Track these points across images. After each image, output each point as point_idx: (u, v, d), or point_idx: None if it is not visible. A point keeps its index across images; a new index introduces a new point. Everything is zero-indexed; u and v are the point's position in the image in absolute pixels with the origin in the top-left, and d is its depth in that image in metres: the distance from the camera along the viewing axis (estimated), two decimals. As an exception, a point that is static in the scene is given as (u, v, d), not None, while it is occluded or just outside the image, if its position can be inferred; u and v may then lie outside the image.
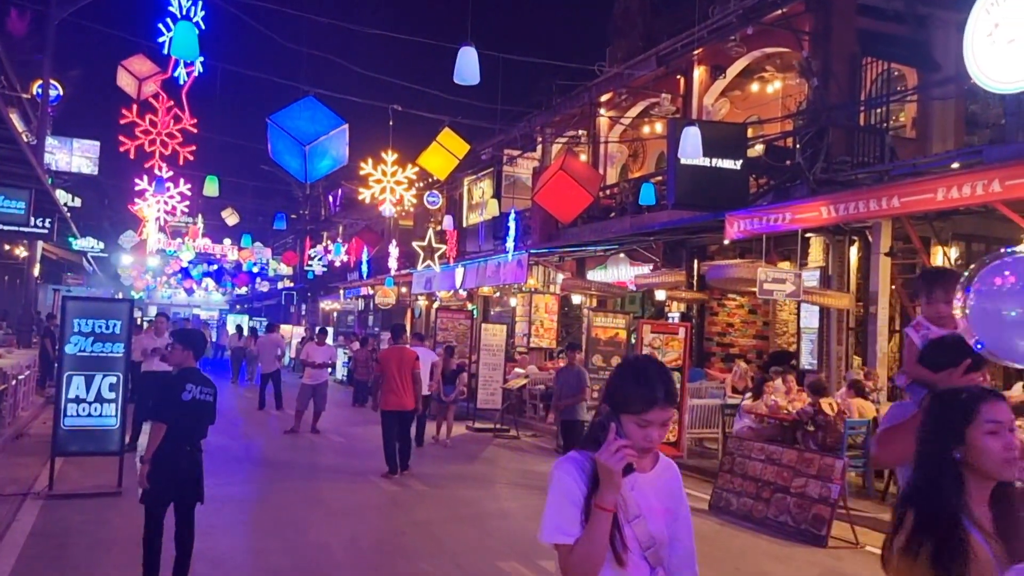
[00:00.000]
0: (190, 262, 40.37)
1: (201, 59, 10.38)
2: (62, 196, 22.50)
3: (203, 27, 9.59)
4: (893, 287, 12.09)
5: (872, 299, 11.79)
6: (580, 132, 20.43)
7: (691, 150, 10.04)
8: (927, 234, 12.27)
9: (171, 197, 18.73)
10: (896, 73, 14.27)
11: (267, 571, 6.16)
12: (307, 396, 13.94)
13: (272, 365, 17.37)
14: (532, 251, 18.73)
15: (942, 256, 12.62)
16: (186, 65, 10.44)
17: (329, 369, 15.48)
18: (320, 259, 33.72)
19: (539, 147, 21.51)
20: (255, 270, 42.23)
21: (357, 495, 9.16)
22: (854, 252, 12.85)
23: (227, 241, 43.19)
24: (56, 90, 20.87)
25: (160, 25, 9.71)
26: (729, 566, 6.87)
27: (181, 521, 5.47)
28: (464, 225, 25.60)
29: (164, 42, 9.60)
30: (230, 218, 33.66)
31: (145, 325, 17.14)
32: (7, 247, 21.00)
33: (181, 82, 10.62)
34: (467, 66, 8.18)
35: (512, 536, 7.51)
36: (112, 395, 8.61)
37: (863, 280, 12.51)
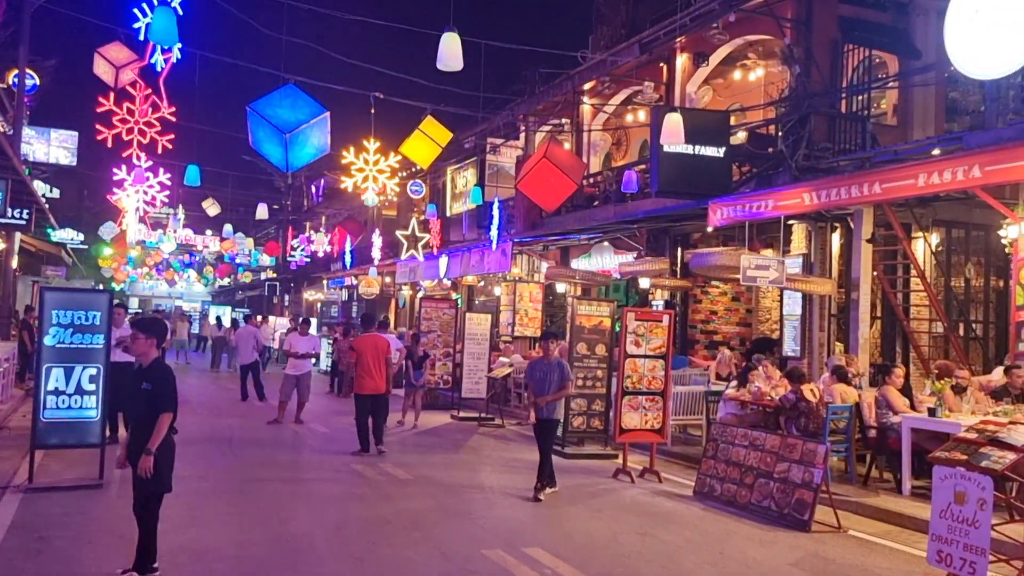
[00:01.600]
0: (171, 253, 40.00)
1: (179, 45, 10.25)
2: (40, 187, 22.22)
3: (181, 12, 9.45)
4: (875, 273, 12.18)
5: (854, 285, 11.87)
6: (563, 120, 20.37)
7: (673, 136, 10.03)
8: (908, 220, 12.37)
9: (151, 187, 18.51)
10: (877, 60, 14.32)
11: (250, 561, 6.12)
12: (291, 386, 13.86)
13: (250, 356, 17.29)
14: (516, 240, 18.70)
15: (923, 242, 12.73)
16: (163, 52, 10.30)
17: (313, 360, 15.41)
18: (302, 249, 33.52)
19: (522, 136, 21.44)
20: (239, 261, 41.91)
21: (341, 485, 9.14)
22: (836, 239, 12.92)
23: (208, 232, 42.88)
24: (32, 79, 20.56)
25: (136, 11, 9.56)
26: (713, 550, 6.91)
27: None
28: (448, 215, 25.52)
29: (141, 28, 9.45)
30: (211, 208, 33.35)
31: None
32: (-16, 239, 20.75)
33: (159, 68, 10.48)
34: (450, 52, 8.12)
35: (497, 524, 7.52)
36: (92, 387, 8.50)
37: (845, 267, 12.58)
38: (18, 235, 18.37)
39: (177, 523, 7.09)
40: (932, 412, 8.65)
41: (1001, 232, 11.42)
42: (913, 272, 12.45)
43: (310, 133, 10.03)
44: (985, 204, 11.03)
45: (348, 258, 28.80)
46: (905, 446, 8.73)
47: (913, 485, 8.70)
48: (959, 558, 5.91)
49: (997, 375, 10.31)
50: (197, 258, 46.63)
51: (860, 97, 13.51)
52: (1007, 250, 11.46)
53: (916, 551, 6.87)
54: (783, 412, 9.85)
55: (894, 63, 14.24)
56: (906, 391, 9.63)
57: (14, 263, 18.88)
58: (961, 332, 13.07)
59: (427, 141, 12.22)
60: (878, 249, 12.11)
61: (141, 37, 9.29)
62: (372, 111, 12.70)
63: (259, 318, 23.24)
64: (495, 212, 18.74)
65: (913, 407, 9.31)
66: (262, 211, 23.63)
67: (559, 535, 7.16)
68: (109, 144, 11.89)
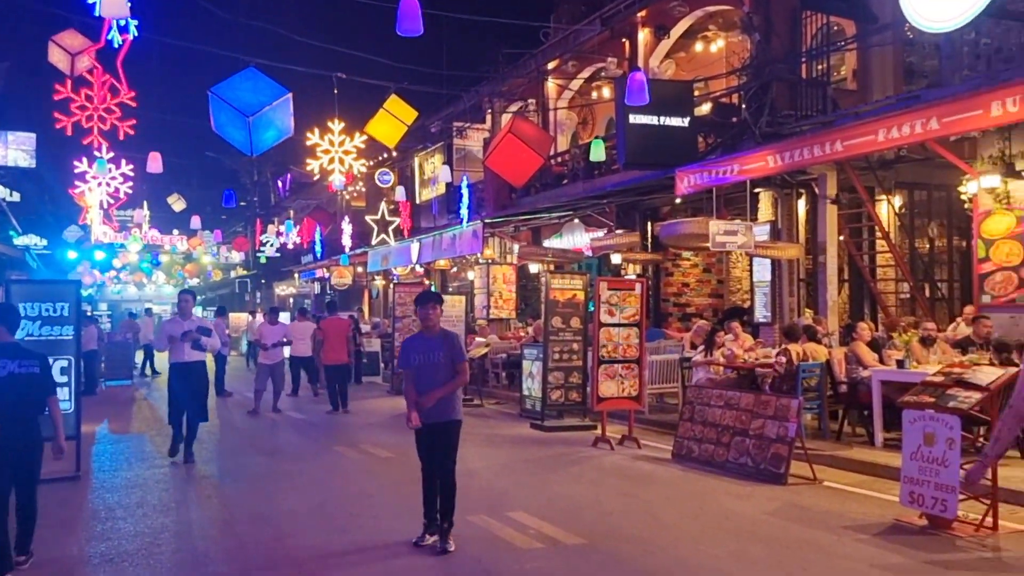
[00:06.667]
0: (138, 254, 39.44)
1: (135, 23, 10.06)
2: (-1, 190, 21.78)
3: (135, -10, 9.29)
4: (841, 238, 12.36)
5: (820, 249, 12.05)
6: (529, 100, 20.38)
7: (637, 96, 10.05)
8: (871, 183, 12.56)
9: (113, 178, 18.18)
10: (836, 27, 14.47)
11: (234, 537, 6.12)
12: (265, 376, 13.81)
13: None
14: (487, 220, 18.70)
15: (887, 205, 12.94)
16: (120, 32, 10.10)
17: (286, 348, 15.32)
18: (272, 243, 33.22)
19: (488, 118, 21.41)
20: (206, 259, 41.42)
21: (323, 466, 9.13)
22: (802, 205, 13.09)
23: (175, 231, 42.33)
24: (-15, 80, 20.11)
25: (89, -12, 9.36)
26: (693, 505, 7.02)
27: (22, 495, 5.43)
28: (417, 201, 25.43)
29: (94, 3, 9.26)
30: (176, 204, 32.88)
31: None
32: (-57, 244, 20.37)
33: (116, 45, 10.25)
34: (409, 16, 8.01)
35: (480, 491, 7.56)
36: (64, 379, 8.39)
37: (811, 232, 12.76)
38: (-21, 238, 18.04)
39: (159, 507, 7.09)
40: (900, 364, 8.83)
41: (961, 189, 11.66)
42: (878, 234, 12.67)
43: (273, 115, 9.91)
44: (946, 165, 11.27)
45: (318, 249, 28.62)
46: (876, 399, 8.90)
47: (885, 437, 8.88)
48: (931, 497, 6.07)
49: (958, 328, 10.57)
50: (164, 260, 46.02)
51: (820, 65, 13.65)
52: (967, 207, 11.71)
53: (889, 497, 7.03)
54: (756, 374, 10.01)
55: (852, 28, 14.40)
56: (874, 347, 9.82)
57: (-24, 267, 18.53)
58: (927, 292, 13.33)
59: (392, 120, 12.13)
60: (843, 213, 12.29)
61: (97, 12, 9.08)
62: (335, 92, 12.62)
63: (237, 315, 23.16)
64: (464, 192, 18.71)
65: (882, 361, 9.49)
66: (230, 200, 23.30)
67: (542, 500, 7.23)
68: (68, 132, 11.64)
